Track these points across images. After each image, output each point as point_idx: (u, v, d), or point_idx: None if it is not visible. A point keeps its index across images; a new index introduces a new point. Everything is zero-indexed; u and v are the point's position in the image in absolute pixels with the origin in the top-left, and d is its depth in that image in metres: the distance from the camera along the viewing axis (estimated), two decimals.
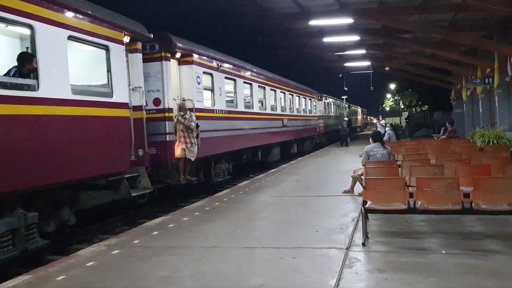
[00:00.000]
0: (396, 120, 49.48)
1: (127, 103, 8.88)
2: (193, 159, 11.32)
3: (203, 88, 12.58)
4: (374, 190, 6.64)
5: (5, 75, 6.52)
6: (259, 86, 18.05)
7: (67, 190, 7.69)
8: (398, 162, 9.60)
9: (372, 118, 58.47)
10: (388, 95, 66.24)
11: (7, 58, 7.24)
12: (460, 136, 18.92)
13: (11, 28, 7.11)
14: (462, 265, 5.29)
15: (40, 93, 6.62)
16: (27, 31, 6.79)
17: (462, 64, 23.24)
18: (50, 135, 6.84)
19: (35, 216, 6.79)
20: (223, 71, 14.14)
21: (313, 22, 17.83)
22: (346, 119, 34.99)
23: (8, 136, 6.09)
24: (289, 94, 23.33)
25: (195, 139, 11.32)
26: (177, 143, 11.13)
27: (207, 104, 13.03)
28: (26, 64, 6.64)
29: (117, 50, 8.53)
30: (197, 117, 11.80)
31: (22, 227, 6.51)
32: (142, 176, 9.58)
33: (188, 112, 11.26)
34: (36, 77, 6.63)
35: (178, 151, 11.10)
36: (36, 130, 6.58)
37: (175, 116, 11.17)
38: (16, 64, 6.76)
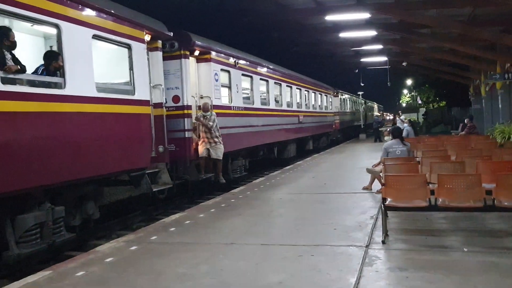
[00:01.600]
0: (413, 116, 49.00)
1: (148, 100, 9.01)
2: (220, 157, 11.36)
3: (220, 85, 12.68)
4: (394, 187, 6.60)
5: (32, 73, 6.66)
6: (275, 82, 18.08)
7: (91, 185, 7.85)
8: (417, 158, 9.58)
9: (388, 114, 57.93)
10: (405, 91, 65.67)
11: (32, 57, 7.38)
12: (479, 132, 18.75)
13: (37, 27, 7.28)
14: (484, 263, 5.27)
15: (67, 91, 6.77)
16: (52, 30, 6.94)
17: (481, 59, 22.94)
18: (76, 132, 6.99)
19: (62, 210, 6.97)
20: (240, 68, 14.22)
21: (329, 18, 17.75)
22: (378, 114, 34.91)
23: (36, 133, 6.25)
24: (305, 90, 23.30)
25: (219, 137, 11.38)
26: (200, 142, 11.24)
27: (225, 101, 13.12)
28: (53, 62, 6.78)
29: (138, 49, 8.66)
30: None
31: (49, 221, 6.68)
32: (162, 172, 9.71)
33: (210, 111, 11.32)
34: (63, 75, 6.78)
35: (201, 150, 11.20)
36: (63, 127, 6.73)
37: (196, 115, 11.26)
38: (42, 62, 6.90)
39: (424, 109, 51.59)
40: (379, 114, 33.58)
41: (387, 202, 6.52)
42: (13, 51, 6.29)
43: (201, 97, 11.97)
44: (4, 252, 6.27)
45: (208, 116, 11.19)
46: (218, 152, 11.35)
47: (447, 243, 6.18)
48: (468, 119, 17.93)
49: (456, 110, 40.21)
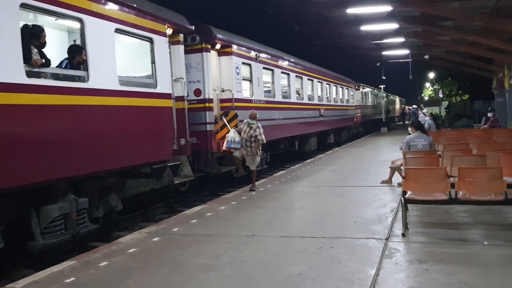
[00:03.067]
0: (435, 109, 48.37)
1: (170, 94, 9.12)
2: (252, 168, 10.77)
3: (242, 78, 12.74)
4: (414, 180, 6.60)
5: (57, 67, 6.81)
6: (296, 76, 18.06)
7: (114, 177, 8.00)
8: (438, 152, 9.50)
9: (409, 107, 57.21)
10: (427, 84, 64.75)
11: (56, 51, 7.54)
12: (502, 126, 18.43)
13: (61, 21, 7.43)
14: (505, 257, 5.24)
15: (90, 84, 6.92)
16: (76, 25, 7.07)
17: (505, 51, 22.47)
18: (99, 125, 7.13)
19: (85, 202, 7.14)
20: (261, 62, 14.25)
21: (351, 10, 17.63)
22: (414, 106, 34.81)
23: (60, 126, 6.40)
24: (326, 83, 23.22)
25: (260, 151, 10.81)
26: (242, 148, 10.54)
27: (246, 94, 13.18)
28: (76, 56, 6.92)
29: (160, 42, 8.76)
30: (236, 107, 11.98)
31: (73, 212, 6.85)
32: (184, 165, 9.84)
33: (256, 122, 10.51)
34: (86, 69, 6.92)
35: (237, 153, 10.55)
36: (86, 120, 6.87)
37: (239, 123, 10.90)
38: (66, 56, 7.04)
39: (447, 102, 50.81)
40: (416, 107, 33.58)
41: (407, 195, 6.53)
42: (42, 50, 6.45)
43: (223, 90, 12.06)
44: (30, 242, 6.45)
45: (253, 126, 10.41)
46: (256, 162, 10.79)
47: (467, 236, 6.16)
48: (490, 112, 17.60)
49: (479, 104, 39.50)
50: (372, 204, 8.44)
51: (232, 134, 10.43)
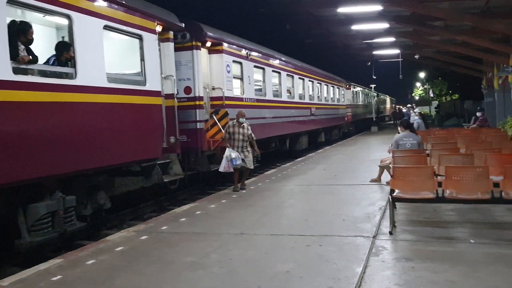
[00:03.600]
0: (425, 109, 48.64)
1: (160, 91, 9.08)
2: (251, 167, 10.61)
3: (232, 76, 12.72)
4: (402, 179, 6.65)
5: (44, 63, 6.75)
6: (287, 74, 18.08)
7: (102, 175, 7.96)
8: (427, 151, 9.57)
9: (400, 107, 57.36)
10: (418, 84, 65.11)
11: (44, 47, 7.48)
12: (491, 125, 18.57)
13: (49, 18, 7.37)
14: (490, 255, 5.30)
15: (78, 81, 6.87)
16: (64, 21, 7.01)
17: (494, 52, 22.65)
18: (87, 122, 7.08)
19: (73, 200, 7.08)
20: (252, 60, 14.25)
21: (342, 10, 17.63)
22: (409, 106, 35.16)
23: (47, 123, 6.35)
24: (317, 82, 23.27)
25: (250, 148, 10.43)
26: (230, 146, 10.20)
27: (236, 92, 13.17)
28: (64, 53, 6.86)
29: (150, 39, 8.72)
30: (226, 106, 11.97)
31: (61, 210, 6.79)
32: (173, 163, 9.83)
33: (245, 120, 10.37)
34: (74, 66, 6.87)
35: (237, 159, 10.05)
36: (73, 117, 6.82)
37: (228, 124, 10.46)
38: (54, 53, 6.99)
39: (437, 102, 51.13)
40: (410, 106, 33.81)
41: (395, 194, 6.59)
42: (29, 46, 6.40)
43: (213, 89, 12.04)
44: (17, 240, 6.39)
45: (245, 125, 10.30)
46: (251, 160, 10.57)
47: (454, 235, 6.21)
48: (479, 111, 17.72)
49: (469, 103, 39.79)
50: (361, 202, 8.49)
51: (228, 153, 9.95)
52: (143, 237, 6.68)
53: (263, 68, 15.33)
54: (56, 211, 6.75)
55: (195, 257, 5.61)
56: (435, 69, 45.19)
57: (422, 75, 56.34)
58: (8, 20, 5.98)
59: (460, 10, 17.70)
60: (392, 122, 53.51)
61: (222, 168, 9.99)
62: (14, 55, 5.94)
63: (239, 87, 13.45)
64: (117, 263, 5.59)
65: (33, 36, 6.43)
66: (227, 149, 10.08)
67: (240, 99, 13.28)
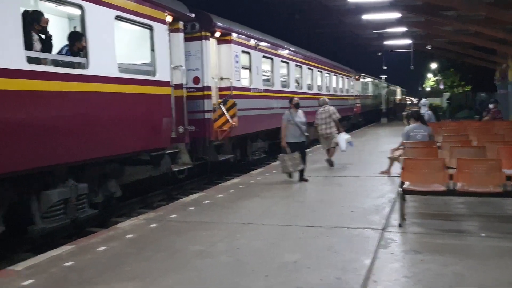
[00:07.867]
0: (436, 101, 48.18)
1: (169, 81, 9.11)
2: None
3: (241, 67, 12.70)
4: (412, 171, 6.59)
5: (57, 53, 6.80)
6: (296, 65, 18.00)
7: (114, 164, 8.03)
8: (438, 143, 9.50)
9: (411, 98, 56.65)
10: (429, 75, 64.49)
11: (57, 37, 7.51)
12: (504, 118, 18.36)
13: (61, 8, 7.40)
14: (501, 248, 5.27)
15: (90, 71, 6.91)
16: (77, 11, 7.04)
17: (508, 42, 22.36)
18: (99, 112, 7.14)
19: (85, 187, 7.18)
20: (261, 50, 14.20)
21: None
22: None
23: (60, 112, 6.42)
24: (326, 73, 23.14)
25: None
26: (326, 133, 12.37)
27: (245, 82, 13.15)
28: (76, 43, 6.90)
29: (160, 30, 8.73)
30: (234, 96, 11.96)
31: (73, 197, 6.90)
32: (182, 152, 9.87)
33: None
34: (86, 56, 6.90)
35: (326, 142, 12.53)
36: (85, 106, 6.87)
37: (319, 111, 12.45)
38: (66, 43, 7.02)
39: (449, 93, 50.63)
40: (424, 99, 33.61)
41: (405, 186, 6.52)
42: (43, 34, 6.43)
43: (221, 79, 12.03)
44: (30, 226, 6.50)
45: (327, 109, 12.46)
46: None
47: (464, 228, 6.17)
48: (492, 103, 17.50)
49: (481, 97, 39.33)
50: (370, 194, 8.47)
51: (347, 136, 12.41)
52: (152, 225, 6.75)
53: (271, 58, 15.27)
54: (68, 199, 6.84)
55: (203, 246, 5.65)
56: (447, 60, 44.71)
57: (433, 66, 55.75)
58: (22, 10, 6.01)
59: (473, 0, 17.46)
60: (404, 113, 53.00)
61: (344, 147, 12.17)
62: (28, 45, 5.99)
63: (248, 78, 13.42)
64: (127, 250, 5.66)
65: (46, 24, 6.46)
66: (343, 132, 12.46)
67: (248, 89, 13.27)
